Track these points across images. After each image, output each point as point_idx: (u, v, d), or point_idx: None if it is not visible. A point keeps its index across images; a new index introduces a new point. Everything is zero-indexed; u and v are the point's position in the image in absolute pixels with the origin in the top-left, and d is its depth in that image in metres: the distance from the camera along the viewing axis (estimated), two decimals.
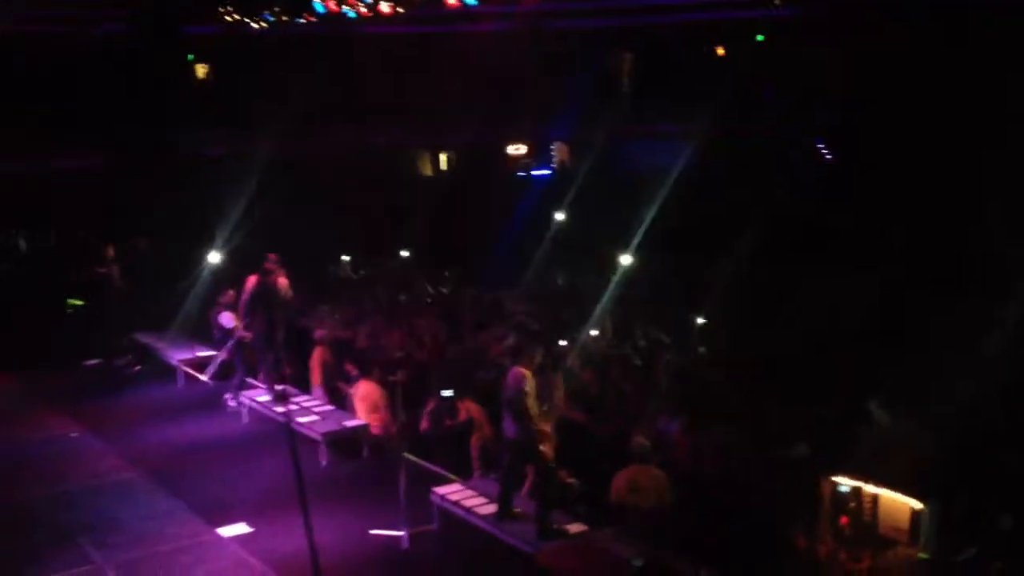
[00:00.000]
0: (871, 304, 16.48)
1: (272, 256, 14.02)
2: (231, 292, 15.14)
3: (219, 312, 15.14)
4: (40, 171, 24.15)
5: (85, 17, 28.30)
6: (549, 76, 27.63)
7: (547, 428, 9.77)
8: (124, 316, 17.03)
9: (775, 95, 30.72)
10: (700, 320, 16.18)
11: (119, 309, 17.02)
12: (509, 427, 9.65)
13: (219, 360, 15.34)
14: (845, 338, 14.66)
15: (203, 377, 15.34)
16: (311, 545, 6.83)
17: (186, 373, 15.64)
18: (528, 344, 9.90)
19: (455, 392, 12.21)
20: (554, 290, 19.18)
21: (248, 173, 21.25)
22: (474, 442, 11.81)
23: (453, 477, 11.16)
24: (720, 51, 34.82)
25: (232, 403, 14.31)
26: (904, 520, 7.99)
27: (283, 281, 13.85)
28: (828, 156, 29.97)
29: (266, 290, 13.71)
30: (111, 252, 17.63)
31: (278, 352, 13.88)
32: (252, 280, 13.87)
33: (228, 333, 14.90)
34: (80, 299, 18.22)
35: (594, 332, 15.11)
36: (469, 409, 11.89)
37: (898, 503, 8.10)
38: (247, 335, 14.28)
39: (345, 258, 18.40)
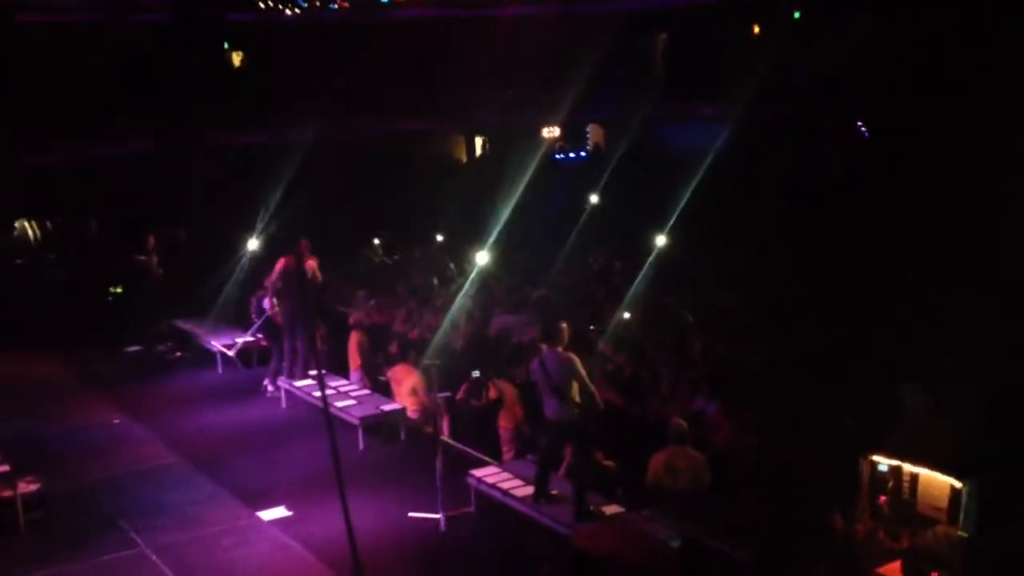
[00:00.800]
0: (904, 284, 16.36)
1: (304, 242, 14.13)
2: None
3: (261, 296, 15.25)
4: (80, 160, 24.40)
5: (127, 5, 28.50)
6: (583, 58, 27.49)
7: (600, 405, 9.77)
8: (163, 304, 17.19)
9: (811, 73, 30.43)
10: (732, 301, 16.12)
11: (157, 297, 17.17)
12: (552, 409, 9.65)
13: (244, 340, 15.44)
14: (878, 319, 14.55)
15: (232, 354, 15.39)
16: (349, 528, 6.86)
17: (225, 359, 15.77)
18: (556, 325, 9.87)
19: (487, 373, 12.30)
20: (588, 273, 19.13)
21: (284, 160, 21.39)
22: (504, 423, 11.85)
23: (489, 460, 11.20)
24: (756, 29, 34.49)
25: (271, 388, 14.43)
26: (943, 498, 7.92)
27: (311, 264, 13.93)
28: (865, 133, 29.66)
29: (293, 273, 13.82)
30: (152, 241, 17.81)
31: (310, 336, 13.97)
32: (281, 263, 14.02)
33: (270, 318, 15.01)
34: (121, 287, 18.43)
35: (627, 315, 15.09)
36: (501, 389, 11.92)
37: (937, 481, 8.03)
38: (275, 316, 14.46)
39: (376, 242, 18.47)
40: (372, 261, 20.04)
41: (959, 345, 12.11)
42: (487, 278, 17.13)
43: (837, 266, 17.92)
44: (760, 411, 11.06)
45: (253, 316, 15.45)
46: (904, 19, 26.15)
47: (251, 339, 15.68)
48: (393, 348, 14.30)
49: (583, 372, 9.52)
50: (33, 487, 10.32)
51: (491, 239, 17.46)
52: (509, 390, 11.91)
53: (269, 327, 14.89)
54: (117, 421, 13.53)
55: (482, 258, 16.31)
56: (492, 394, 12.06)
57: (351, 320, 14.75)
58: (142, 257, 17.39)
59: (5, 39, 24.71)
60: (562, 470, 10.47)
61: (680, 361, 12.83)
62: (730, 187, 23.23)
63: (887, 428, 9.94)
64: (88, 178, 23.57)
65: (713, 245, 19.82)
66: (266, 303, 15.08)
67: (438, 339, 13.58)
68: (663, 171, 25.06)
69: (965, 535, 7.58)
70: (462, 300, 15.42)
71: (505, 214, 19.18)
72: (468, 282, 16.20)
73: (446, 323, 14.26)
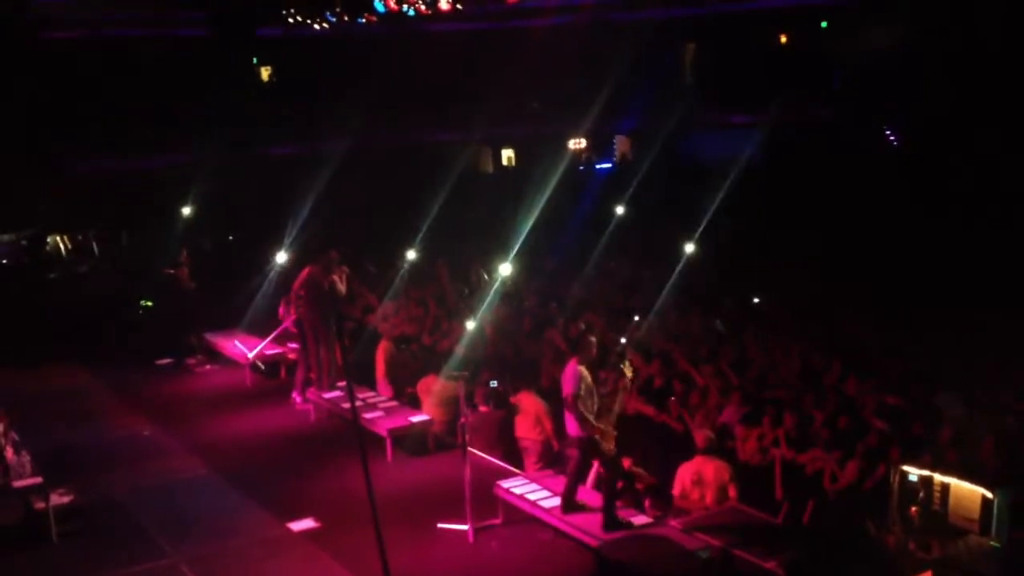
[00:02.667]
0: (935, 291, 16.26)
1: (333, 253, 14.21)
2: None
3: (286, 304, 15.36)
4: (113, 172, 24.70)
5: (162, 20, 28.89)
6: (610, 69, 27.54)
7: (605, 425, 9.71)
8: (193, 316, 17.34)
9: (840, 82, 30.36)
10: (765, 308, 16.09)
11: (187, 310, 17.33)
12: (570, 424, 9.67)
13: (267, 349, 15.52)
14: (911, 326, 14.47)
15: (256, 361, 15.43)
16: (379, 540, 6.91)
17: (254, 371, 15.88)
18: (584, 338, 9.88)
19: (506, 383, 12.37)
20: (615, 283, 19.10)
21: (312, 173, 21.55)
22: (522, 434, 11.82)
23: (517, 471, 11.22)
24: (783, 39, 34.44)
25: (299, 400, 14.52)
26: (975, 509, 7.88)
27: (333, 277, 13.99)
28: (893, 141, 29.53)
29: (316, 283, 13.92)
30: (184, 254, 17.98)
31: (335, 346, 14.05)
32: (305, 272, 14.15)
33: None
34: (152, 299, 18.59)
35: (656, 325, 15.09)
36: (523, 402, 11.93)
37: (969, 491, 7.99)
38: (290, 324, 14.65)
39: (412, 255, 18.55)
40: (402, 271, 20.05)
41: (995, 355, 12.06)
42: (510, 288, 17.19)
43: (874, 272, 17.84)
44: (792, 420, 11.02)
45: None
46: (937, 27, 26.04)
47: (278, 349, 15.80)
48: (420, 359, 14.39)
49: (581, 387, 9.48)
50: (65, 499, 10.43)
51: (514, 249, 17.49)
52: (530, 401, 11.91)
53: (288, 336, 14.97)
54: (147, 433, 13.64)
55: (505, 268, 16.35)
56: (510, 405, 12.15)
57: (380, 330, 14.83)
58: (172, 270, 17.55)
59: (32, 53, 25.07)
60: (590, 480, 10.47)
61: (711, 371, 12.79)
62: (760, 194, 23.16)
63: (924, 437, 9.92)
64: (119, 190, 23.84)
65: (745, 252, 19.76)
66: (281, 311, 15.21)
67: (463, 350, 13.62)
68: (691, 180, 25.05)
69: (997, 545, 7.53)
70: (485, 311, 15.46)
71: (529, 224, 19.23)
72: (492, 292, 16.25)
73: (471, 334, 14.31)
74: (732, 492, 9.84)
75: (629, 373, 9.93)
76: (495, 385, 12.51)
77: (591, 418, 9.51)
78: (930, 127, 26.49)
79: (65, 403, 14.96)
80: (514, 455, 11.84)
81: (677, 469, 10.18)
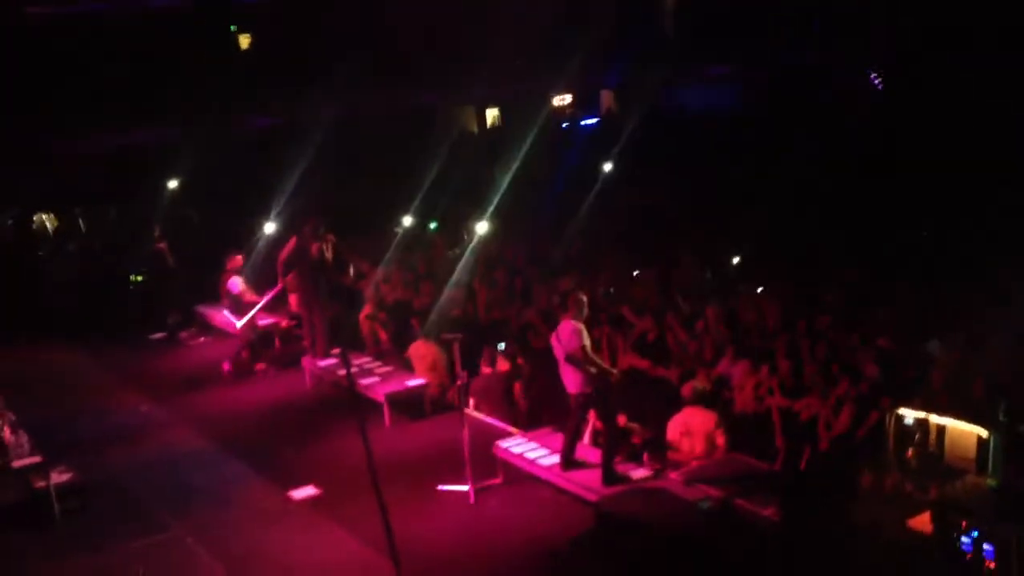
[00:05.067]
0: (922, 237, 16.25)
1: (312, 220, 14.15)
2: (238, 257, 15.51)
3: (227, 278, 15.34)
4: (94, 148, 24.48)
5: None
6: (593, 23, 27.30)
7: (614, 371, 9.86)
8: (178, 291, 17.28)
9: (823, 27, 30.17)
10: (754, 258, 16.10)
11: (171, 284, 17.28)
12: (570, 380, 9.69)
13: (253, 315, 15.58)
14: (897, 272, 14.49)
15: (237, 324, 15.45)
16: (381, 504, 6.93)
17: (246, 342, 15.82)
18: (574, 296, 9.90)
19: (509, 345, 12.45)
20: (601, 241, 19.08)
21: (297, 141, 21.38)
22: (519, 391, 11.95)
23: (514, 430, 11.26)
24: None
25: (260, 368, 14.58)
26: (971, 449, 7.93)
27: (316, 245, 13.93)
28: (878, 84, 29.41)
29: (303, 252, 13.89)
30: (158, 230, 17.89)
31: (327, 314, 14.06)
32: (291, 243, 14.14)
33: (236, 299, 15.14)
34: (141, 275, 18.52)
35: (644, 279, 15.12)
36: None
37: (964, 432, 8.04)
38: (256, 299, 14.82)
39: (407, 221, 18.55)
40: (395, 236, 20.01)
41: (987, 296, 12.09)
42: (489, 248, 17.20)
43: (861, 219, 17.81)
44: (785, 369, 11.08)
45: (224, 298, 15.55)
46: None
47: (271, 319, 15.79)
48: (415, 324, 14.43)
49: (588, 342, 9.53)
50: (65, 477, 10.45)
51: (493, 209, 17.47)
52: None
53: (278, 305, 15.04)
54: (144, 408, 13.65)
55: (481, 228, 16.33)
56: (503, 366, 12.20)
57: (382, 292, 14.92)
58: (161, 245, 17.49)
59: (15, 30, 24.79)
60: (586, 437, 10.51)
61: (703, 323, 12.82)
62: (745, 145, 23.09)
63: (915, 381, 9.96)
64: (106, 167, 23.67)
65: (731, 203, 19.71)
66: (232, 284, 15.16)
67: (437, 310, 13.74)
68: (677, 133, 24.96)
69: (994, 484, 7.59)
70: (459, 272, 15.54)
71: (510, 183, 19.20)
72: (468, 251, 16.28)
73: (448, 294, 14.41)
74: (720, 440, 9.92)
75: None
76: (503, 348, 12.55)
77: (604, 365, 9.61)
78: (909, 65, 26.38)
79: (60, 381, 14.96)
80: (520, 415, 11.87)
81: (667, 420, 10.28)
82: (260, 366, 14.75)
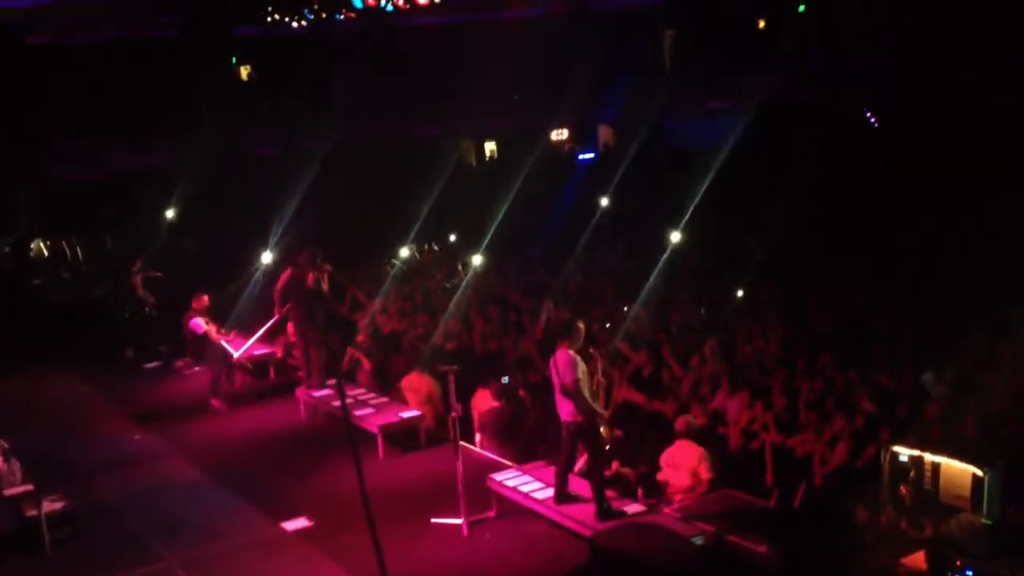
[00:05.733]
0: (917, 272, 16.30)
1: (308, 251, 14.17)
2: (204, 297, 15.53)
3: (191, 318, 15.39)
4: (93, 175, 24.58)
5: (136, 21, 28.73)
6: (590, 58, 27.51)
7: (603, 409, 9.87)
8: (150, 324, 17.30)
9: (820, 65, 30.38)
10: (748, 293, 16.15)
11: (144, 318, 17.32)
12: (564, 410, 9.69)
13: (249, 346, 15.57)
14: (891, 307, 14.52)
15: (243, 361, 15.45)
16: (374, 537, 6.91)
17: (241, 372, 15.82)
18: (573, 324, 9.91)
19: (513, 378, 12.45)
20: (600, 273, 19.13)
21: (295, 172, 21.47)
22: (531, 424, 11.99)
23: (508, 463, 11.24)
24: (761, 24, 34.47)
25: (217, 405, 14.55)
26: (966, 487, 7.90)
27: (312, 275, 13.93)
28: (874, 123, 29.57)
29: (299, 282, 13.91)
30: (138, 264, 17.89)
31: (323, 344, 14.07)
32: (287, 273, 14.15)
33: (200, 339, 15.19)
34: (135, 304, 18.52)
35: (641, 313, 15.13)
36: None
37: (959, 470, 8.01)
38: (222, 337, 15.01)
39: (405, 252, 18.64)
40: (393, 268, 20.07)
41: (982, 331, 12.11)
42: (484, 281, 17.25)
43: (856, 254, 17.89)
44: (780, 404, 11.08)
45: (188, 337, 15.58)
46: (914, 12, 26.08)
47: (266, 349, 15.80)
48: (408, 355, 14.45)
49: (580, 372, 9.53)
50: (58, 505, 10.40)
51: (492, 242, 17.54)
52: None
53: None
54: (138, 437, 13.62)
55: (477, 260, 16.39)
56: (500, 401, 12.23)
57: (378, 323, 14.96)
58: (135, 279, 17.52)
59: (16, 58, 24.96)
60: (577, 469, 10.49)
61: (699, 358, 12.83)
62: (743, 179, 23.18)
63: (910, 416, 9.96)
64: (102, 194, 23.73)
65: (727, 238, 19.78)
66: (194, 324, 15.18)
67: (431, 342, 13.78)
68: (675, 168, 25.02)
69: (989, 522, 7.57)
70: (455, 304, 15.59)
71: (510, 216, 19.27)
72: (464, 285, 16.33)
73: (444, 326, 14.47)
74: (704, 475, 9.91)
75: (598, 358, 10.05)
76: (507, 381, 12.54)
77: (592, 402, 9.59)
78: (907, 105, 26.53)
79: (53, 409, 14.92)
80: (529, 449, 11.82)
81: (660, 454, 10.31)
82: (215, 402, 14.68)
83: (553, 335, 12.44)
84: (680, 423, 10.35)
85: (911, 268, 16.58)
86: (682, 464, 10.00)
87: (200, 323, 15.23)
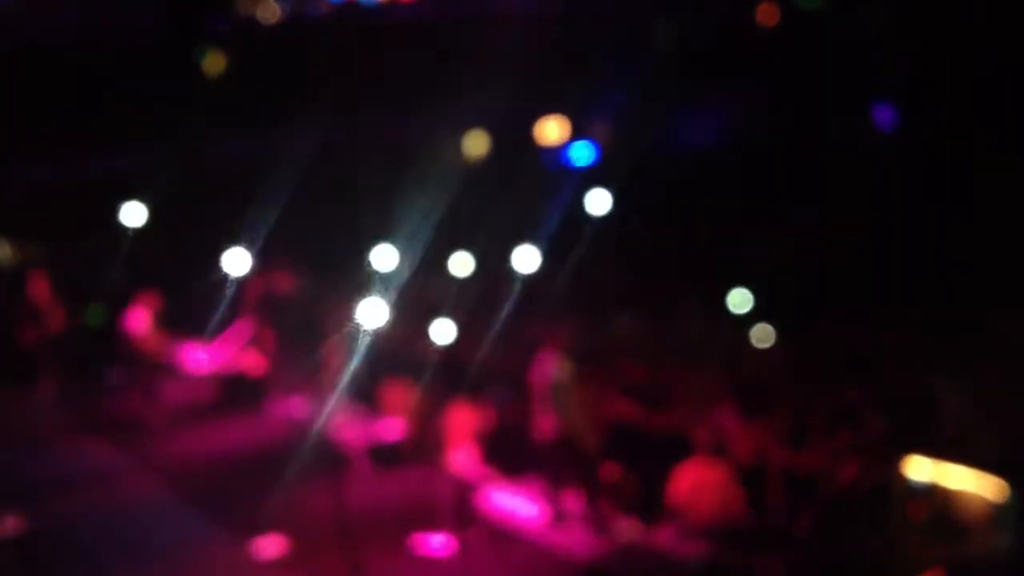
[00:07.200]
0: (928, 278, 16.33)
1: (281, 257, 14.17)
2: (150, 293, 15.51)
3: (130, 316, 15.38)
4: (66, 178, 24.51)
5: (105, 17, 28.69)
6: (587, 54, 27.55)
7: (592, 420, 9.80)
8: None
9: (830, 67, 30.48)
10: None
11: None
12: (548, 424, 9.67)
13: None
14: (904, 315, 14.57)
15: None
16: (353, 559, 6.89)
17: (216, 384, 15.77)
18: (561, 333, 9.91)
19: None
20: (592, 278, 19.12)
21: (274, 170, 21.40)
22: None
23: (498, 479, 11.21)
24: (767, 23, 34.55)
25: None
26: (981, 507, 7.93)
27: (281, 285, 13.94)
28: (884, 129, 29.69)
29: (267, 294, 13.90)
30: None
31: (296, 355, 14.08)
32: (258, 281, 14.11)
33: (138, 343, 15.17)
34: (100, 315, 18.44)
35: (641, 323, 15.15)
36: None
37: (975, 490, 8.04)
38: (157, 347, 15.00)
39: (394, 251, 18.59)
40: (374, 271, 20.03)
41: (997, 339, 12.15)
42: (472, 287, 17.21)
43: (862, 257, 17.94)
44: (785, 419, 11.08)
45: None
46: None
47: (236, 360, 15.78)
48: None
49: (564, 378, 9.51)
50: (14, 529, 10.31)
51: (471, 245, 17.50)
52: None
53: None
54: (103, 454, 13.54)
55: (460, 264, 16.38)
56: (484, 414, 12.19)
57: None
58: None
59: None
60: (571, 489, 10.47)
61: (700, 371, 12.84)
62: (746, 181, 23.24)
63: (921, 429, 9.96)
64: (65, 201, 23.66)
65: (729, 243, 19.81)
66: (131, 323, 15.17)
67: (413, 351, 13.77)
68: (675, 168, 25.10)
69: (1004, 543, 7.58)
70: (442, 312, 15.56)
71: (498, 219, 19.24)
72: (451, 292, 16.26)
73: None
74: (734, 496, 9.79)
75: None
76: (490, 392, 12.50)
77: (579, 416, 9.58)
78: (920, 114, 26.63)
79: (13, 425, 14.82)
80: (519, 463, 11.78)
81: (670, 474, 10.17)
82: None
83: (537, 344, 12.47)
84: (699, 440, 10.09)
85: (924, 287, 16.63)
86: (710, 485, 9.67)
87: (141, 323, 15.10)
